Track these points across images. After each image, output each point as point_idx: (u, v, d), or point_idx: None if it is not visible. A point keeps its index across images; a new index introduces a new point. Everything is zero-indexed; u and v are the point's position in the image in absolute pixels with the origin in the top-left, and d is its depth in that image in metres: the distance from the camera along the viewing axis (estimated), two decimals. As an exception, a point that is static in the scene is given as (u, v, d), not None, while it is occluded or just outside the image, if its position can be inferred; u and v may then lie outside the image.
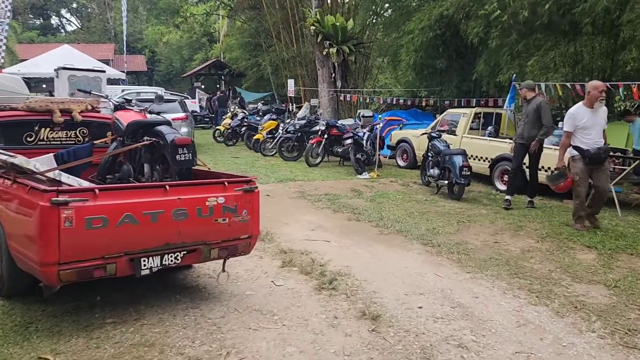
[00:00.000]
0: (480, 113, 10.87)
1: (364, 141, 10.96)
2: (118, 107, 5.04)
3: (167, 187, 3.66)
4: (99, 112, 5.72)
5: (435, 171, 8.84)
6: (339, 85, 18.59)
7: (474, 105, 12.92)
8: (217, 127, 17.96)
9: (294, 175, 10.40)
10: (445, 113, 11.46)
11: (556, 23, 10.46)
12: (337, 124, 11.84)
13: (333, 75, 18.62)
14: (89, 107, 5.51)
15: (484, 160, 9.73)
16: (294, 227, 6.47)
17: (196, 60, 38.68)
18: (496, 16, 10.36)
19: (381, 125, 11.53)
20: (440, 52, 15.20)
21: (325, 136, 11.67)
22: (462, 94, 14.78)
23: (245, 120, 16.20)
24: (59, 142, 5.29)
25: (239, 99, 25.96)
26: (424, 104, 15.47)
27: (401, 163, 12.14)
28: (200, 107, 25.45)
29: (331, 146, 11.86)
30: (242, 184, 4.05)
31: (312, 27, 18.42)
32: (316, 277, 4.61)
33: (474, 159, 9.91)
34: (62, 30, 62.48)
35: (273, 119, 14.58)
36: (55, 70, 5.70)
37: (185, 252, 3.77)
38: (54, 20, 65.54)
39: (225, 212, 3.90)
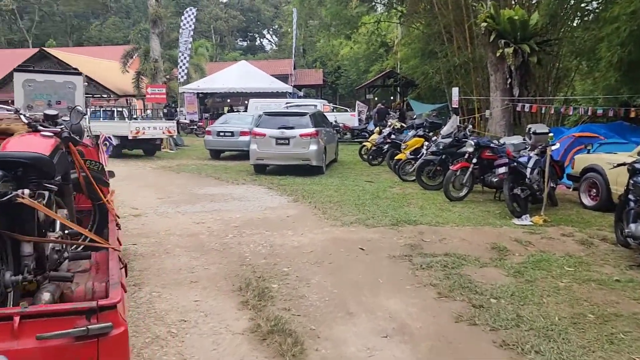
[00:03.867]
0: None
1: (528, 169, 7.65)
2: (32, 128, 3.10)
3: None
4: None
5: (639, 228, 5.32)
6: (516, 93, 15.04)
7: None
8: (364, 144, 15.79)
9: (422, 213, 7.64)
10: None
11: None
12: (491, 144, 8.68)
13: (509, 81, 15.17)
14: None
15: None
16: (358, 324, 3.87)
17: (372, 72, 37.62)
18: None
19: (557, 145, 8.11)
20: (662, 44, 10.91)
21: (475, 160, 8.64)
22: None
23: (392, 135, 13.70)
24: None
25: (399, 111, 23.50)
26: (631, 114, 11.23)
27: (587, 202, 8.38)
28: (360, 120, 23.63)
29: (482, 173, 8.75)
30: (71, 319, 1.70)
31: (484, 24, 15.22)
32: None
33: None
34: (265, 50, 67.96)
35: (419, 136, 11.84)
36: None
37: None
38: (259, 41, 72.02)
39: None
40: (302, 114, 12.47)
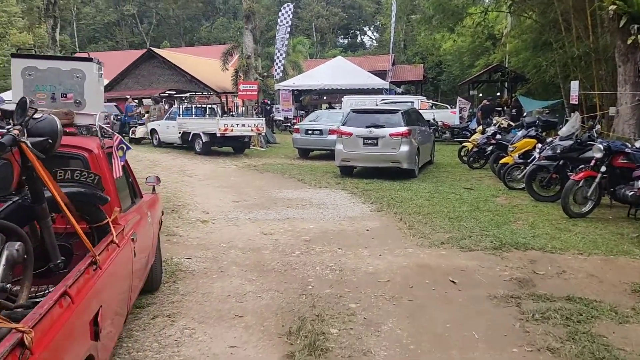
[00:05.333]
0: None
1: (679, 183, 5.95)
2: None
3: None
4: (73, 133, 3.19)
5: None
6: (651, 86, 12.79)
7: None
8: (464, 144, 14.22)
9: (533, 234, 6.21)
10: None
11: None
12: (627, 150, 6.95)
13: (642, 72, 12.95)
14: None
15: None
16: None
17: (477, 67, 35.28)
18: None
19: None
20: None
21: (603, 168, 6.98)
22: None
23: (498, 135, 12.06)
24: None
25: (511, 107, 21.35)
26: None
27: None
28: (461, 117, 21.81)
29: (614, 185, 7.04)
30: None
31: (612, 7, 13.09)
32: None
33: None
34: (365, 47, 67.29)
35: (530, 136, 10.17)
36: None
37: None
38: (359, 39, 71.64)
39: None
40: (394, 112, 11.28)
